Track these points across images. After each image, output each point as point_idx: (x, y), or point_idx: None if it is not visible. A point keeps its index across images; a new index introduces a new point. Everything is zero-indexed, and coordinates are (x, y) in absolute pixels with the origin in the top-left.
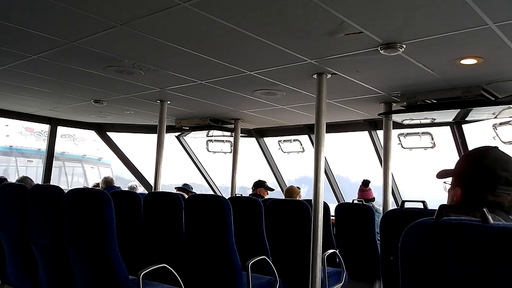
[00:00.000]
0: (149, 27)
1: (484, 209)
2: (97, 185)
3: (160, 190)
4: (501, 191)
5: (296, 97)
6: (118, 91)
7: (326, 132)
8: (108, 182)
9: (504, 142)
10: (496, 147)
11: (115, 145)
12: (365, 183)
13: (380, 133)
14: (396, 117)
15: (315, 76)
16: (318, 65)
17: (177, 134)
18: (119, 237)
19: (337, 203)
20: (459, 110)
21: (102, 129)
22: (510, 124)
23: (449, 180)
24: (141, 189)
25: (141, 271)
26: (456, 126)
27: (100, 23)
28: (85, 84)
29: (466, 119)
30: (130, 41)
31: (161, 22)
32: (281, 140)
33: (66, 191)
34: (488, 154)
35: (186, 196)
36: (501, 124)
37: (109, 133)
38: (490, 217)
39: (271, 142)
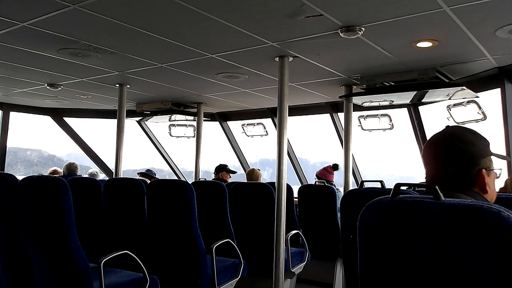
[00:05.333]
0: (105, 8)
1: (436, 187)
2: (54, 172)
3: (122, 176)
4: None
5: (258, 80)
6: (73, 74)
7: (289, 115)
8: (70, 169)
9: (458, 123)
10: None
11: (73, 131)
12: (335, 166)
13: (341, 115)
14: (356, 100)
15: (277, 59)
16: (280, 48)
17: (138, 119)
18: (79, 225)
19: (300, 185)
20: (415, 92)
21: (58, 115)
22: (463, 105)
23: None
24: (102, 176)
25: (102, 258)
26: (413, 108)
27: (52, 3)
28: (38, 67)
29: (422, 101)
30: (85, 22)
31: (117, 3)
32: (244, 124)
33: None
34: None
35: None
36: (454, 105)
37: (66, 119)
38: (441, 195)
39: (234, 126)
